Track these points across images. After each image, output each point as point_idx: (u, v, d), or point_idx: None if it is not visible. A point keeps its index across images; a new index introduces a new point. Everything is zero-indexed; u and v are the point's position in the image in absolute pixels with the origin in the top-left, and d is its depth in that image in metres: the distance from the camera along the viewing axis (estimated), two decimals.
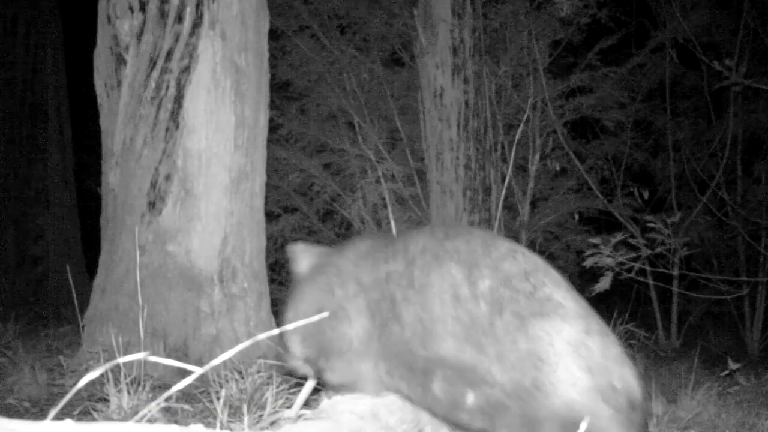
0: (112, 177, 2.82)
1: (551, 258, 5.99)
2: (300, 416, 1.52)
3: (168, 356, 2.53)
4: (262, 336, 1.06)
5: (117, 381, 2.00)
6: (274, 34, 5.23)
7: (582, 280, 5.80)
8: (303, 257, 1.73)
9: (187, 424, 1.10)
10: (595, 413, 1.26)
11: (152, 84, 2.75)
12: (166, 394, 1.01)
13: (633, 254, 3.49)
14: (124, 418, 1.92)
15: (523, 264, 1.43)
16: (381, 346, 1.47)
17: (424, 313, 1.40)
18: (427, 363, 1.39)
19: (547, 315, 1.33)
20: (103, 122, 2.94)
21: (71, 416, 2.02)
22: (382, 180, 5.53)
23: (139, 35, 2.79)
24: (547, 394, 1.27)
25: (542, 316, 1.33)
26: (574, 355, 1.29)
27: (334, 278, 1.59)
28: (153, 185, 2.71)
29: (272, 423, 1.80)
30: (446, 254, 1.43)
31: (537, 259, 1.49)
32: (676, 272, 4.79)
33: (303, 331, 1.59)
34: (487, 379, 1.32)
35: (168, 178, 2.71)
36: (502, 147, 5.40)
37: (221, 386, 2.00)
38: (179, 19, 2.75)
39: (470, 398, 1.34)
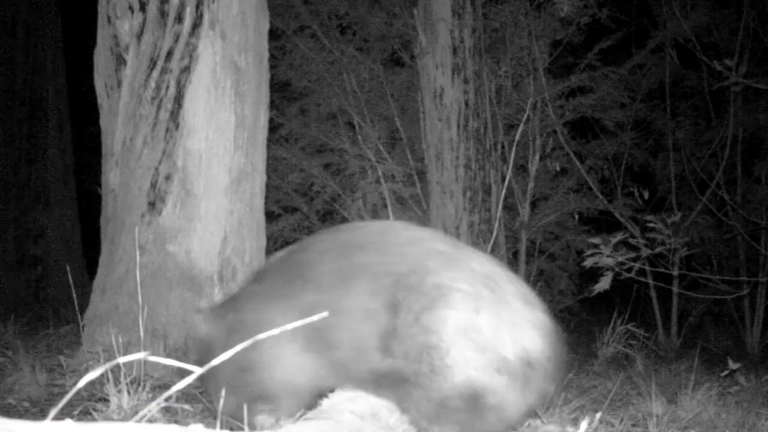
0: (112, 177, 2.82)
1: (551, 258, 5.99)
2: (300, 416, 1.52)
3: (168, 356, 2.53)
4: (262, 336, 1.06)
5: (117, 381, 2.00)
6: (274, 34, 5.23)
7: (582, 280, 5.81)
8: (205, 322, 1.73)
9: (187, 424, 1.10)
10: (492, 384, 1.42)
11: (152, 84, 2.74)
12: (166, 394, 1.01)
13: (633, 254, 3.49)
14: (124, 418, 1.92)
15: (412, 257, 1.54)
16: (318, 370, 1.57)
17: (351, 333, 1.51)
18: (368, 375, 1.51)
19: (434, 307, 1.45)
20: (103, 122, 2.94)
21: (71, 416, 2.02)
22: (382, 180, 5.53)
23: (139, 35, 2.79)
24: (446, 377, 1.41)
25: (431, 309, 1.45)
26: (464, 337, 1.42)
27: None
28: (153, 185, 2.71)
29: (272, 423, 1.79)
30: (355, 272, 1.56)
31: (430, 243, 1.59)
32: (676, 272, 4.79)
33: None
34: (401, 375, 1.45)
35: (168, 178, 2.71)
36: (502, 147, 5.40)
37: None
38: (179, 19, 2.75)
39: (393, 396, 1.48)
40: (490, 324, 1.44)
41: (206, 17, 2.76)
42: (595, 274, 3.61)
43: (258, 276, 1.78)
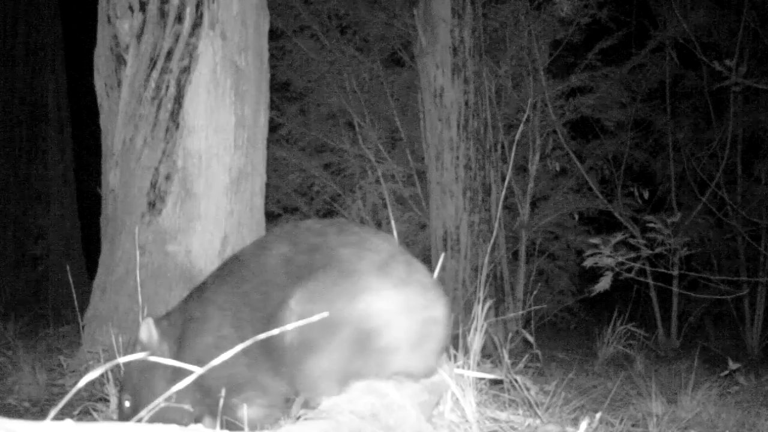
0: (112, 177, 2.82)
1: (551, 258, 6.00)
2: (300, 416, 1.52)
3: None
4: (262, 336, 1.06)
5: (117, 381, 2.00)
6: (274, 34, 5.24)
7: (582, 280, 5.81)
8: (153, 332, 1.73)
9: (187, 424, 1.10)
10: (393, 322, 1.48)
11: (152, 84, 2.74)
12: (165, 394, 1.01)
13: (633, 254, 3.49)
14: None
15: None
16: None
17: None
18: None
19: (355, 244, 1.57)
20: (103, 122, 2.94)
21: (71, 416, 2.02)
22: (382, 180, 5.53)
23: (139, 35, 2.79)
24: (352, 300, 1.47)
25: (351, 244, 1.57)
26: (378, 271, 1.52)
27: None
28: (153, 185, 2.71)
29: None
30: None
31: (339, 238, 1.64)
32: (676, 272, 4.79)
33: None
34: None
35: (168, 178, 2.71)
36: (502, 147, 5.40)
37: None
38: (179, 19, 2.75)
39: (287, 338, 1.53)
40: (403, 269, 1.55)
41: (206, 17, 2.76)
42: (595, 274, 3.61)
43: (204, 285, 1.77)
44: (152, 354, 1.66)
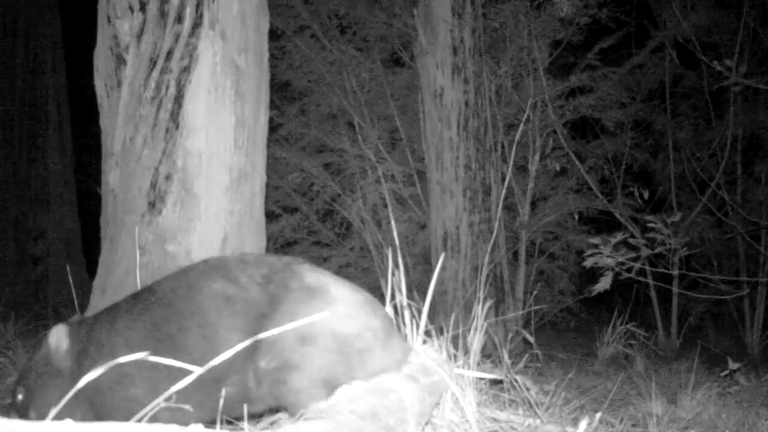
0: (112, 177, 2.82)
1: (551, 258, 6.00)
2: (300, 416, 1.52)
3: None
4: (262, 335, 1.06)
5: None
6: (274, 34, 5.24)
7: (582, 280, 5.81)
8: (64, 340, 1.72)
9: (187, 424, 1.10)
10: (366, 325, 1.59)
11: (152, 84, 2.74)
12: (165, 394, 1.01)
13: (633, 254, 3.49)
14: None
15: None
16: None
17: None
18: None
19: (300, 263, 1.69)
20: (103, 122, 2.94)
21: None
22: (382, 180, 5.53)
23: (139, 35, 2.79)
24: (323, 312, 1.53)
25: (296, 263, 1.68)
26: (338, 282, 1.65)
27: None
28: (153, 185, 2.71)
29: (272, 423, 1.80)
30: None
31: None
32: (676, 272, 4.79)
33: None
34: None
35: (168, 178, 2.71)
36: (502, 147, 5.40)
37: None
38: (179, 19, 2.75)
39: (263, 363, 1.55)
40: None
41: (206, 17, 2.76)
42: (595, 274, 3.61)
43: (117, 311, 1.75)
44: (55, 360, 1.69)
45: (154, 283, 1.80)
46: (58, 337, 1.70)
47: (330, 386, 1.53)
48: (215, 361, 1.07)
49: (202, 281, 1.66)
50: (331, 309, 1.55)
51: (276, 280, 1.61)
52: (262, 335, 1.18)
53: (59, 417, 1.61)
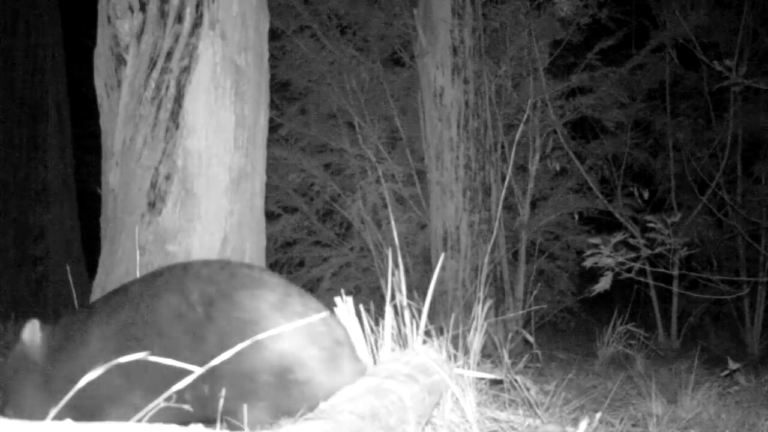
0: (112, 177, 2.82)
1: (551, 258, 6.00)
2: (299, 416, 1.52)
3: None
4: (262, 335, 1.06)
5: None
6: (274, 34, 5.24)
7: (582, 280, 5.81)
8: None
9: (187, 424, 1.10)
10: (303, 356, 1.55)
11: (152, 84, 2.74)
12: (165, 394, 1.01)
13: (633, 254, 3.49)
14: None
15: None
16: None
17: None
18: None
19: (249, 286, 1.59)
20: (103, 122, 2.94)
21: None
22: (382, 180, 5.53)
23: (139, 35, 2.79)
24: (259, 348, 1.50)
25: (245, 287, 1.59)
26: (278, 312, 1.56)
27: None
28: (153, 185, 2.71)
29: (272, 423, 1.80)
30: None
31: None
32: (676, 272, 4.79)
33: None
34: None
35: (168, 178, 2.71)
36: (502, 147, 5.40)
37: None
38: (179, 19, 2.75)
39: (206, 389, 1.55)
40: (299, 304, 1.60)
41: (206, 17, 2.76)
42: (595, 274, 3.61)
43: (93, 311, 1.75)
44: (30, 354, 1.69)
45: (129, 283, 1.79)
46: (32, 331, 1.71)
47: (275, 418, 1.56)
48: (215, 361, 1.07)
49: (163, 291, 1.64)
50: (267, 344, 1.52)
51: (217, 304, 1.59)
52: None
53: (35, 411, 1.63)
